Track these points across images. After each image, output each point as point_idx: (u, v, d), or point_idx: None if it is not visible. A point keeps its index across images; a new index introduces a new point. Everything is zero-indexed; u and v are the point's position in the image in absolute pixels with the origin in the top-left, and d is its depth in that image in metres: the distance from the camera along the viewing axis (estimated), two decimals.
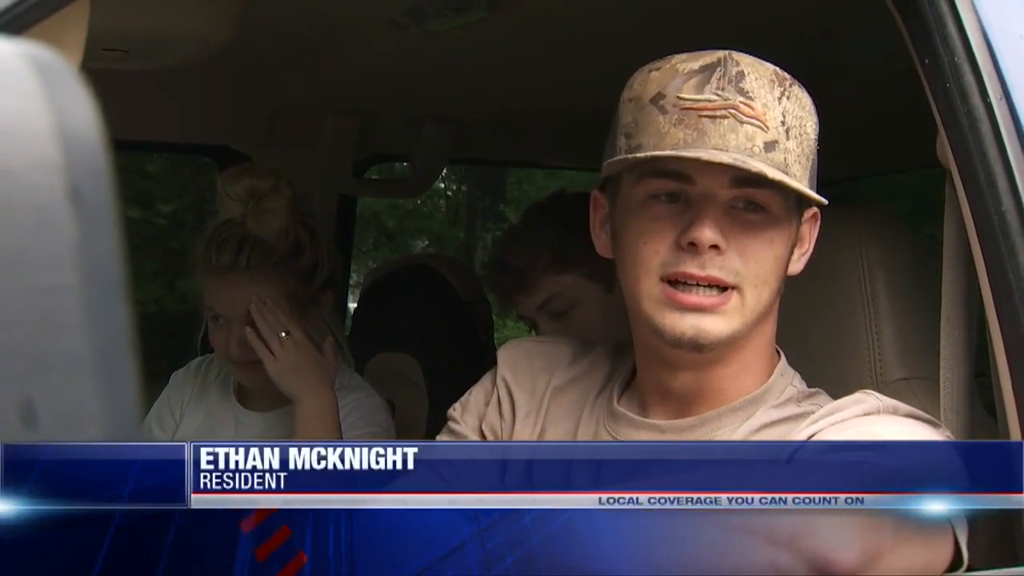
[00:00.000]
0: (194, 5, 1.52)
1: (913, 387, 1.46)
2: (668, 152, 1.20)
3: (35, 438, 0.37)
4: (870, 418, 1.14)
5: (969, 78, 1.16)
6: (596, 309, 1.81)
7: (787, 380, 1.33)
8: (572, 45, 1.87)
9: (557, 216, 1.88)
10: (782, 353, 1.35)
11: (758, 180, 1.19)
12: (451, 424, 1.43)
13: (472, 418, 1.42)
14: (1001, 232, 1.14)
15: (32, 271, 0.38)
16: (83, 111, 0.40)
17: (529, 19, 1.78)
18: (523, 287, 1.91)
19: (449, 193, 8.61)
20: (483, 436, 1.40)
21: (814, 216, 1.31)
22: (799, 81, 1.28)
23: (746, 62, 1.23)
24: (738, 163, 1.17)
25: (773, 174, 1.18)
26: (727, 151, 1.19)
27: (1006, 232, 1.14)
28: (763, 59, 1.29)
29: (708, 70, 1.22)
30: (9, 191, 0.38)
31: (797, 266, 1.31)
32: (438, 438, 1.44)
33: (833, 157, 2.37)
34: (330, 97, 2.32)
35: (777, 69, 1.25)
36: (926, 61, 1.20)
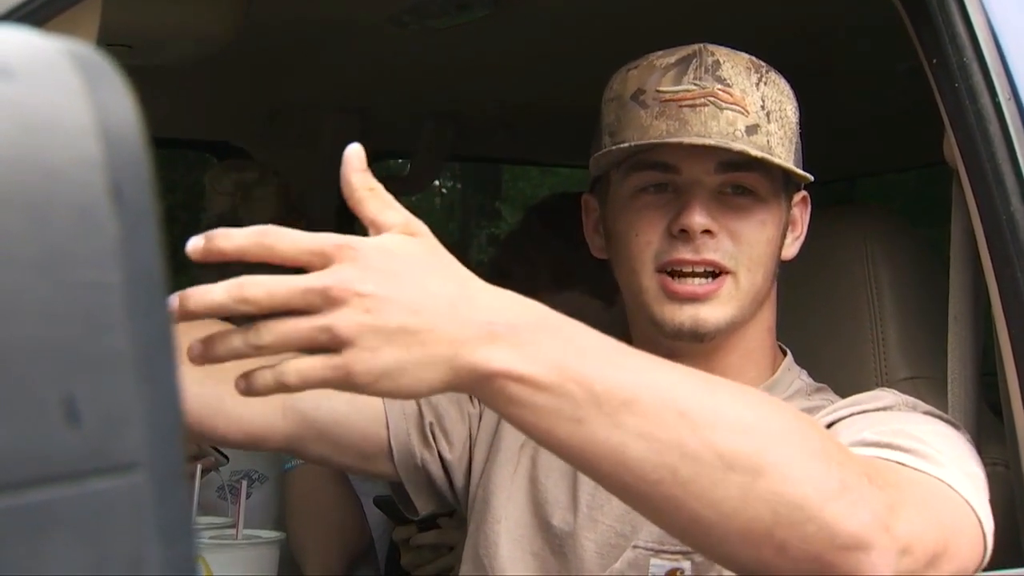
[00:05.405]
0: (199, 1, 1.52)
1: (918, 386, 1.46)
2: (651, 140, 1.21)
3: (78, 436, 0.37)
4: (890, 413, 1.14)
5: (978, 78, 1.16)
6: (596, 325, 1.80)
7: (794, 375, 1.34)
8: (573, 43, 1.87)
9: (558, 226, 1.87)
10: (788, 351, 1.36)
11: (743, 163, 1.21)
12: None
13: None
14: (1009, 232, 1.14)
15: (74, 268, 0.38)
16: (124, 108, 0.40)
17: (531, 17, 1.78)
18: None
19: (444, 190, 8.60)
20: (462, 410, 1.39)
21: (804, 199, 1.33)
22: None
23: (721, 52, 1.26)
24: (721, 144, 1.19)
25: (756, 152, 1.19)
26: (709, 137, 1.20)
27: (1014, 232, 1.14)
28: (767, 58, 1.30)
29: (685, 62, 1.24)
30: (51, 188, 0.38)
31: (791, 250, 1.32)
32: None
33: (831, 155, 2.38)
34: (330, 94, 2.31)
35: (752, 58, 1.27)
36: (934, 61, 1.20)
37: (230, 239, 0.84)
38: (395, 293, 0.83)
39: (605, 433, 0.87)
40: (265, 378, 0.85)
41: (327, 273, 0.83)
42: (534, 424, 0.88)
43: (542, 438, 0.89)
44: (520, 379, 0.85)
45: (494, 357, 0.85)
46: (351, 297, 0.82)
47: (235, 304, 0.82)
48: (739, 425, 0.90)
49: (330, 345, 0.83)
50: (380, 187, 0.90)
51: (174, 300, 0.83)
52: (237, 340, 0.84)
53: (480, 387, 0.87)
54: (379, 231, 0.88)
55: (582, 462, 0.90)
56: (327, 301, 0.82)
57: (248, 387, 0.86)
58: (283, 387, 0.85)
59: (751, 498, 0.88)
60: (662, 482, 0.88)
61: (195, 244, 0.84)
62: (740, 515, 0.89)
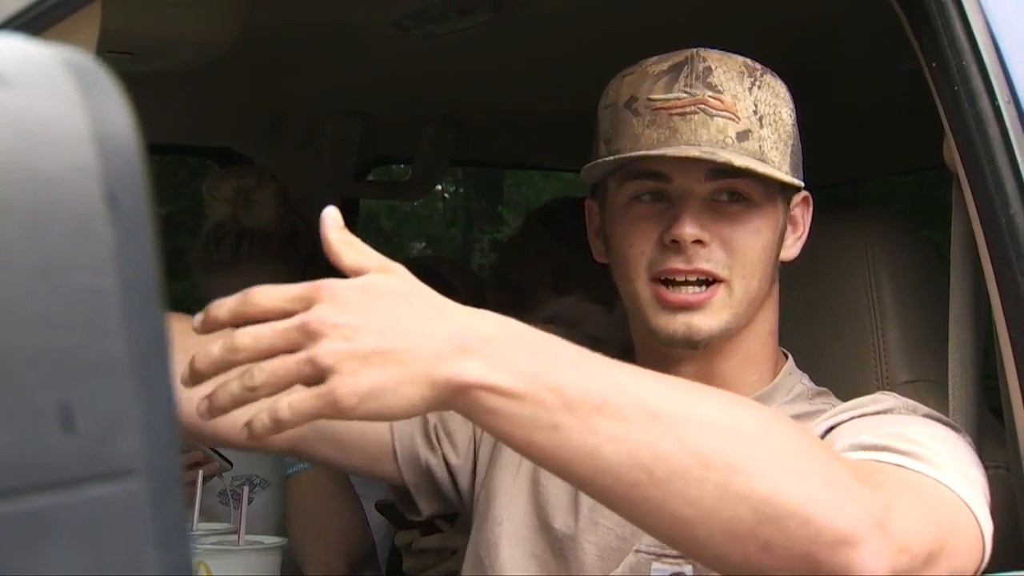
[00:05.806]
0: (200, 7, 1.52)
1: (919, 390, 1.46)
2: (638, 152, 1.21)
3: (74, 441, 0.37)
4: (889, 416, 1.14)
5: (977, 81, 1.16)
6: (597, 330, 1.80)
7: (795, 379, 1.33)
8: (573, 46, 1.87)
9: (559, 230, 1.87)
10: (789, 355, 1.36)
11: (733, 171, 1.20)
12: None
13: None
14: (1009, 235, 1.14)
15: (70, 274, 0.38)
16: (119, 116, 0.40)
17: (531, 20, 1.78)
18: (523, 307, 1.89)
19: (447, 195, 8.60)
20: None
21: (805, 199, 1.33)
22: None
23: (713, 57, 1.25)
24: (705, 155, 1.19)
25: (741, 162, 1.19)
26: (699, 145, 1.20)
27: (1014, 235, 1.14)
28: (767, 60, 1.29)
29: (676, 69, 1.24)
30: (47, 195, 0.39)
31: (793, 251, 1.32)
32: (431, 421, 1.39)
33: (833, 158, 2.38)
34: (332, 99, 2.31)
35: (747, 60, 1.27)
36: (933, 64, 1.20)
37: (223, 306, 0.91)
38: (369, 321, 0.89)
39: (580, 438, 0.90)
40: (263, 420, 0.89)
41: (306, 312, 0.89)
42: (511, 433, 0.91)
43: (522, 447, 0.92)
44: (494, 389, 0.89)
45: (468, 369, 0.89)
46: (328, 329, 0.87)
47: (230, 354, 0.89)
48: (712, 425, 0.93)
49: (315, 376, 0.88)
50: (356, 240, 0.96)
51: (185, 370, 0.91)
52: (234, 386, 0.90)
53: (458, 400, 0.90)
54: (358, 276, 0.93)
55: (562, 468, 0.93)
56: (307, 335, 0.88)
57: (250, 434, 0.91)
58: (279, 424, 0.89)
59: (729, 496, 0.90)
60: (639, 484, 0.90)
61: (197, 321, 0.92)
62: (720, 513, 0.91)
